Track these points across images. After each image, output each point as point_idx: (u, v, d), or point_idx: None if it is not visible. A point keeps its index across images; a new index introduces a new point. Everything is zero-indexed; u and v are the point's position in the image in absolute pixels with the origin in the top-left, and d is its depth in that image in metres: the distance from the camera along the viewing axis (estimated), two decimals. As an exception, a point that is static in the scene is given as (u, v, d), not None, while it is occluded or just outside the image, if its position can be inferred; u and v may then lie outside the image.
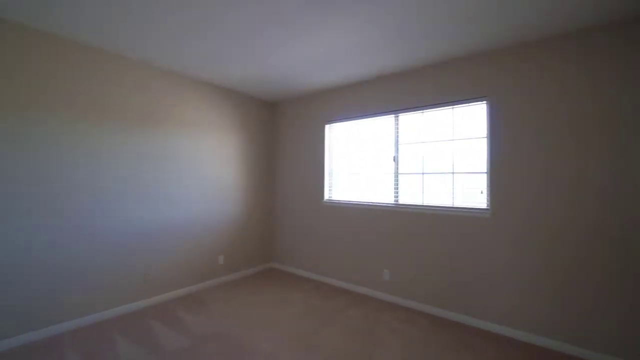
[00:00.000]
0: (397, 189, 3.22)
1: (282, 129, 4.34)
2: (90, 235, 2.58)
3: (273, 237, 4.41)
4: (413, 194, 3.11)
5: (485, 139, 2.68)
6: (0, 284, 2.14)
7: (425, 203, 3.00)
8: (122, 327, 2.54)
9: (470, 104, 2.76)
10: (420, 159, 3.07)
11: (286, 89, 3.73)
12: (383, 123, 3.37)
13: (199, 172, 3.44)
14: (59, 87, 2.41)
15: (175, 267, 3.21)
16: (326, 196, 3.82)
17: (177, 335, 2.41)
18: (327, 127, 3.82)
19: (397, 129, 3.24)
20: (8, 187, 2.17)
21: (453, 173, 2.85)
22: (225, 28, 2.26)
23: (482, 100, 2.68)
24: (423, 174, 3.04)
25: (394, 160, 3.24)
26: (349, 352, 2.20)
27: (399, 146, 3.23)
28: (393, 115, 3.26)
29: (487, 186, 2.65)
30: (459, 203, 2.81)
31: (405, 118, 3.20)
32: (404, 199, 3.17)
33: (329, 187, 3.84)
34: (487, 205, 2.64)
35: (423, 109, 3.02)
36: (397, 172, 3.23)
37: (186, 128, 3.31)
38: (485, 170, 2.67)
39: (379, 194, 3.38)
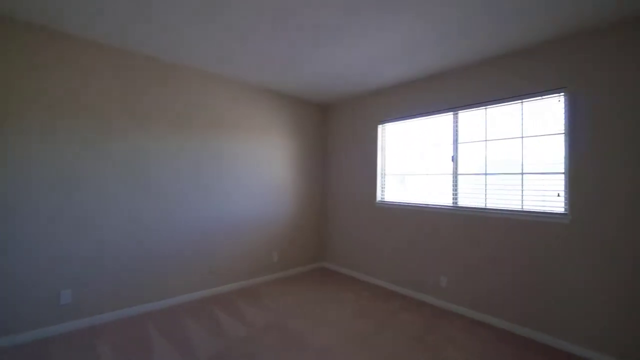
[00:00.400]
0: (455, 190, 3.04)
1: (334, 131, 4.40)
2: (169, 229, 2.92)
3: (324, 237, 4.48)
4: (474, 196, 2.90)
5: (562, 136, 2.39)
6: (118, 264, 2.55)
7: (489, 206, 2.78)
8: (191, 311, 2.81)
9: (543, 97, 2.49)
10: (483, 159, 2.86)
11: (339, 91, 3.78)
12: (440, 121, 3.21)
13: (256, 173, 3.65)
14: (159, 104, 2.79)
15: (235, 261, 3.45)
16: (379, 197, 3.76)
17: (238, 324, 2.59)
18: (379, 127, 3.77)
19: (456, 127, 3.06)
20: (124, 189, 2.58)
21: (522, 174, 2.60)
22: (283, 35, 2.38)
23: (558, 92, 2.41)
24: (486, 174, 2.83)
25: (453, 160, 3.07)
26: (404, 357, 2.14)
27: (458, 145, 3.05)
28: (452, 113, 3.09)
29: (565, 188, 2.36)
30: (529, 206, 2.55)
31: (465, 115, 3.01)
32: (464, 202, 2.98)
33: (382, 188, 3.78)
34: (565, 210, 2.35)
35: (486, 105, 2.82)
36: (455, 172, 3.06)
37: (243, 132, 3.54)
38: (563, 171, 2.39)
39: (435, 195, 3.23)
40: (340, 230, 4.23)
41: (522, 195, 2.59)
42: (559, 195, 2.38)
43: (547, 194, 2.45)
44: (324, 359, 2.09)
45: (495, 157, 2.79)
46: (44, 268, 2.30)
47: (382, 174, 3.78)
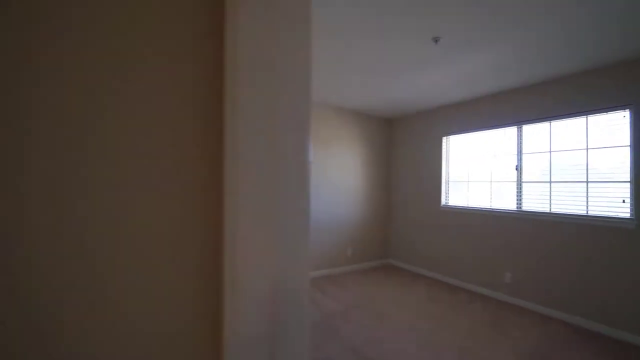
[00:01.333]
0: (519, 196, 3.36)
1: (399, 142, 4.91)
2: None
3: (391, 236, 4.99)
4: (538, 202, 3.20)
5: (628, 148, 2.63)
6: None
7: (554, 211, 3.07)
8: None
9: (608, 112, 2.75)
10: (547, 168, 3.15)
11: (406, 107, 4.30)
12: (504, 133, 3.55)
13: (331, 180, 4.33)
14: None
15: (319, 253, 4.15)
16: (443, 201, 4.18)
17: (330, 301, 3.25)
18: (444, 139, 4.20)
19: (520, 139, 3.39)
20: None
21: (587, 182, 2.86)
22: (369, 74, 3.00)
23: (624, 109, 2.66)
24: (550, 182, 3.12)
25: (517, 169, 3.39)
26: (480, 333, 2.58)
27: (522, 155, 3.37)
28: (516, 127, 3.42)
29: (630, 195, 2.59)
30: (594, 212, 2.80)
31: (530, 128, 3.32)
32: (528, 207, 3.29)
33: (446, 193, 4.19)
34: (631, 215, 2.59)
35: (551, 119, 3.12)
36: (519, 180, 3.37)
37: (325, 145, 4.24)
38: (628, 179, 2.62)
39: (498, 201, 3.57)
40: (405, 230, 4.71)
41: (587, 202, 2.85)
42: (624, 202, 2.62)
43: (612, 201, 2.70)
44: (409, 330, 2.64)
45: (560, 166, 3.07)
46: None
47: (446, 180, 4.19)
